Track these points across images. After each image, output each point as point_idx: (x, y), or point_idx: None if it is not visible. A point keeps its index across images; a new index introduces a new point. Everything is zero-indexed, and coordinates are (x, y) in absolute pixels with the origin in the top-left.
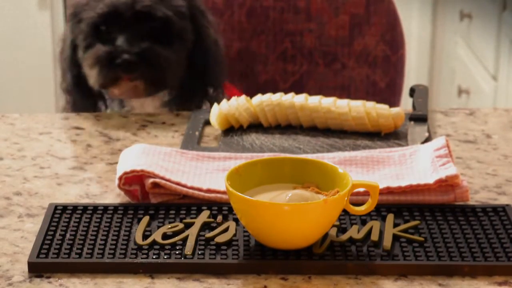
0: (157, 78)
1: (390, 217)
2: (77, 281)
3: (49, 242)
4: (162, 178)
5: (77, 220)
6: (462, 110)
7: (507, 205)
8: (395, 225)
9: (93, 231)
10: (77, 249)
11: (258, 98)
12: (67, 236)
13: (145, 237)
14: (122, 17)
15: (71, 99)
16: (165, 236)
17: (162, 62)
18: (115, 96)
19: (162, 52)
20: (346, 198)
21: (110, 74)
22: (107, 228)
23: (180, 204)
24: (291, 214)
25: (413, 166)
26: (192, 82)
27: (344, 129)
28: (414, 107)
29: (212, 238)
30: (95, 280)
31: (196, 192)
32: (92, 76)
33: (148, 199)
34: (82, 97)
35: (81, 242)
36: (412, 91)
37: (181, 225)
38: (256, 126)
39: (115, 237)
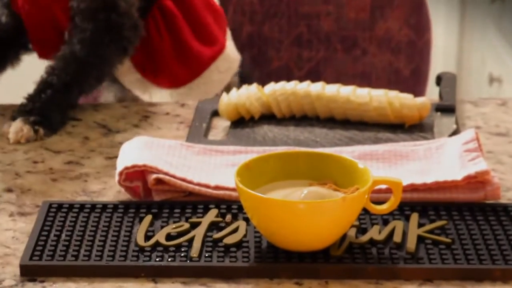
0: None
1: (415, 217)
2: (73, 285)
3: (43, 243)
4: (166, 173)
5: (74, 219)
6: (493, 100)
7: None
8: (420, 225)
9: (91, 231)
10: (74, 250)
11: (271, 87)
12: (63, 236)
13: (147, 238)
14: None
15: None
16: (169, 237)
17: None
18: None
19: None
20: (366, 196)
21: None
22: (106, 228)
23: (185, 202)
24: (307, 213)
25: (439, 161)
26: None
27: (365, 121)
28: (441, 96)
29: (221, 239)
30: (93, 284)
31: (203, 189)
32: None
33: (151, 196)
34: None
35: (78, 243)
36: (438, 79)
37: (186, 225)
38: (268, 117)
39: (115, 238)
